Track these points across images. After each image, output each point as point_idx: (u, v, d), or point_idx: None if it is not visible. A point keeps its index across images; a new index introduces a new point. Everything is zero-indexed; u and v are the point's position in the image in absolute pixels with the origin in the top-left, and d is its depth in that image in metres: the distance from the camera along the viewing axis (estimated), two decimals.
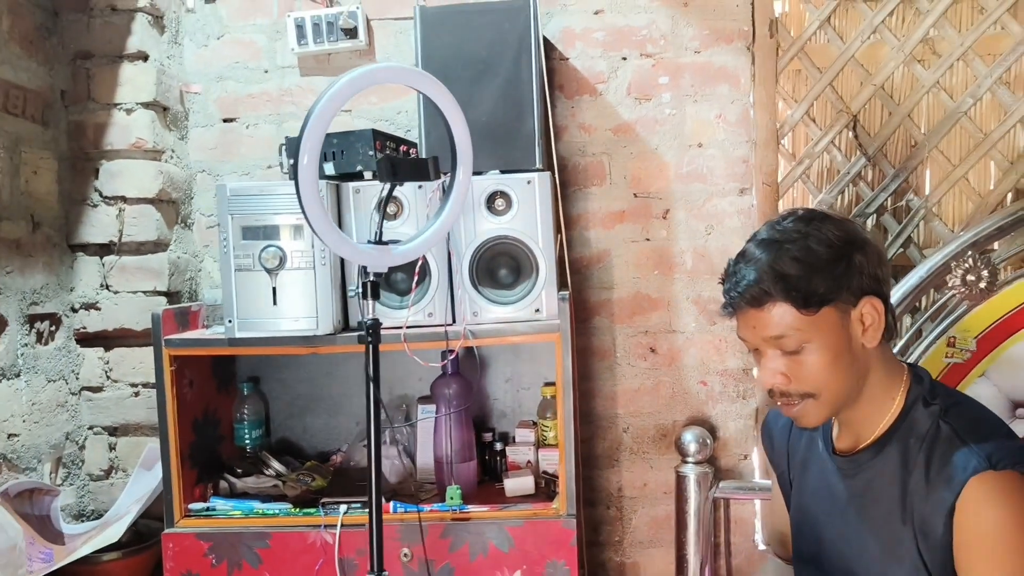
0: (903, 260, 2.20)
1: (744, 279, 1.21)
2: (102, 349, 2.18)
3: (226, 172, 2.32)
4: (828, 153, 2.24)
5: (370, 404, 1.51)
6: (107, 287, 2.17)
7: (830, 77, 2.20)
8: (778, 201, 2.22)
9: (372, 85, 1.52)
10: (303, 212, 1.40)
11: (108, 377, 2.19)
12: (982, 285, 2.07)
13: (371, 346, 1.52)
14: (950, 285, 2.09)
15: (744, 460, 2.28)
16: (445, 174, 1.62)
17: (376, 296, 1.53)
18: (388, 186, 1.49)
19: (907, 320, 2.18)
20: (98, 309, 2.17)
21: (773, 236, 1.23)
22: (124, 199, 2.15)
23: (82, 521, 2.16)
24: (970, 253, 2.07)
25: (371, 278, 1.52)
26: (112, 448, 2.19)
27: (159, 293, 2.17)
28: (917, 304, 2.18)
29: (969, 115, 2.18)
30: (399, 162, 1.53)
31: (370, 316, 1.52)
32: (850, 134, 2.23)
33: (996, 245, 2.14)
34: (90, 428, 2.19)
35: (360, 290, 1.52)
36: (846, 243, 1.21)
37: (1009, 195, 2.18)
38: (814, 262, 1.19)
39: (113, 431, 2.19)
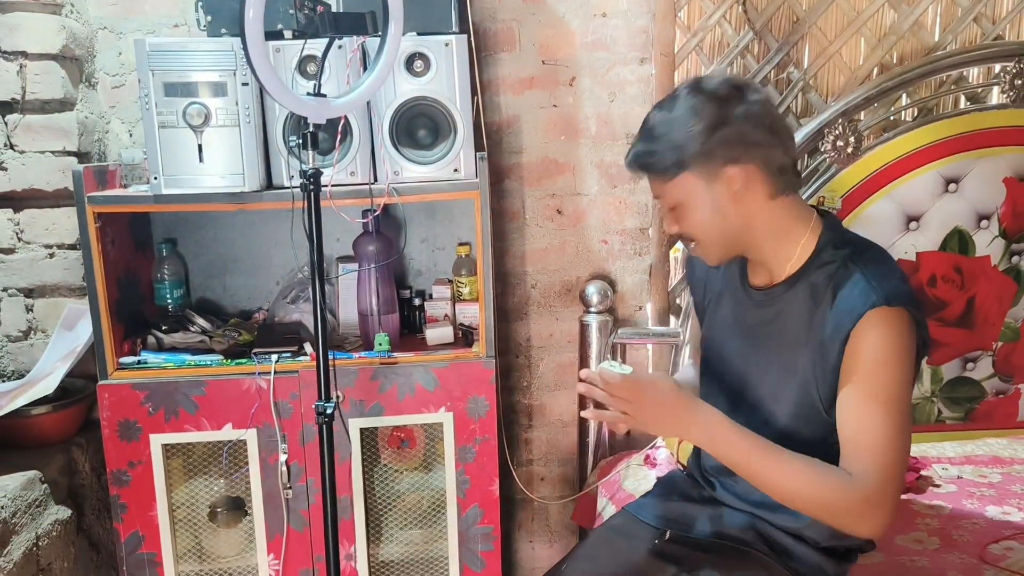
0: None
1: (629, 155, 1.45)
2: (11, 210, 2.14)
3: (129, 30, 2.25)
4: (720, 26, 2.40)
5: (313, 246, 1.60)
6: (12, 147, 2.11)
7: None
8: (674, 71, 2.38)
9: None
10: (250, 65, 1.44)
11: (20, 239, 2.15)
12: (849, 150, 2.32)
13: (312, 194, 1.60)
14: (822, 150, 2.34)
15: (639, 311, 2.51)
16: (376, 32, 1.68)
17: (316, 146, 1.60)
18: (328, 40, 1.55)
19: None
20: (4, 169, 2.11)
21: (650, 118, 1.43)
22: (25, 54, 2.07)
23: (3, 381, 2.17)
24: (840, 121, 2.31)
25: (311, 129, 1.58)
26: (29, 309, 2.18)
27: (69, 153, 2.12)
28: None
29: None
30: (341, 15, 1.57)
31: (311, 166, 1.60)
32: (740, 9, 2.39)
33: (862, 115, 2.39)
34: (4, 290, 2.17)
35: (301, 140, 1.58)
36: (710, 125, 1.35)
37: (875, 69, 2.43)
38: (675, 138, 1.37)
39: (29, 292, 2.18)
